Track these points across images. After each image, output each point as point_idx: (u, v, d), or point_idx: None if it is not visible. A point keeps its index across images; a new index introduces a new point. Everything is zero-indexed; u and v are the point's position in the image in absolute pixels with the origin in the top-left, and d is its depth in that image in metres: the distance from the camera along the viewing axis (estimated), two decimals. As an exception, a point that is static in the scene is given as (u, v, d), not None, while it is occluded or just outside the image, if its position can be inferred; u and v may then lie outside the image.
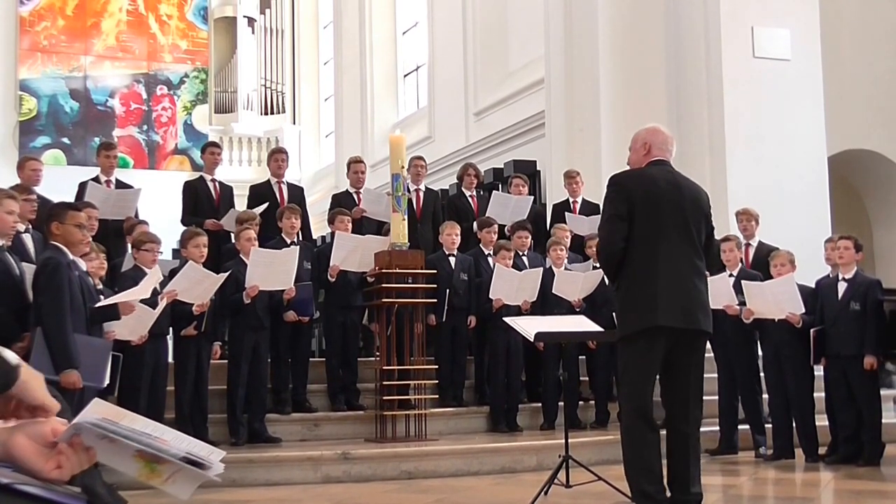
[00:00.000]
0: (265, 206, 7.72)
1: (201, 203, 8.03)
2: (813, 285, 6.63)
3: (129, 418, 1.43)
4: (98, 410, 1.40)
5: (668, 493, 3.98)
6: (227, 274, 6.34)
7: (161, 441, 1.42)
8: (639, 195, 3.98)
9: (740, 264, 6.90)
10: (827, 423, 6.52)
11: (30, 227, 5.64)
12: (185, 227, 7.11)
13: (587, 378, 7.63)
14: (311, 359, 7.44)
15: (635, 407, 3.98)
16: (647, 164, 4.13)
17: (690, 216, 4.02)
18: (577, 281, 7.25)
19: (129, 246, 6.62)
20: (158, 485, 1.41)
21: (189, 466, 1.42)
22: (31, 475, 1.33)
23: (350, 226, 7.41)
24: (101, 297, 5.32)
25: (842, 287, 6.36)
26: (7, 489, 1.31)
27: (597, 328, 5.69)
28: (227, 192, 8.18)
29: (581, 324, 5.73)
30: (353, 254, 7.03)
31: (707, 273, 4.19)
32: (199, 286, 6.15)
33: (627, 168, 4.28)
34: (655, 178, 4.03)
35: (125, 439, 1.39)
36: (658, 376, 4.10)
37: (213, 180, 8.21)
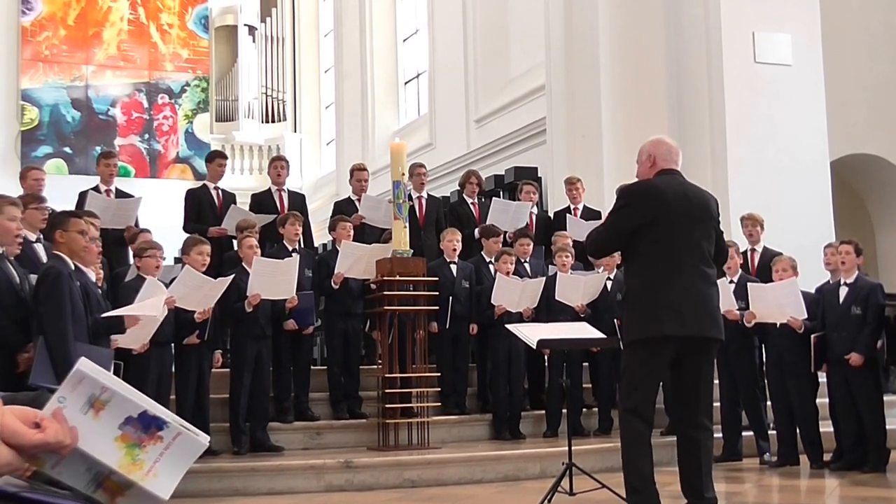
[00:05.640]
0: (271, 219, 7.72)
1: (204, 211, 8.02)
2: (815, 291, 6.62)
3: (123, 384, 1.45)
4: (93, 364, 1.42)
5: (685, 499, 4.07)
6: (227, 279, 6.31)
7: (153, 406, 1.44)
8: (647, 208, 4.06)
9: (740, 270, 6.88)
10: (832, 429, 6.49)
11: (41, 236, 5.62)
12: (188, 235, 7.09)
13: (590, 385, 7.61)
14: (312, 367, 7.42)
15: (632, 407, 4.06)
16: (654, 175, 4.19)
17: (699, 225, 4.09)
18: (578, 286, 7.23)
19: (132, 256, 6.61)
20: (139, 479, 1.40)
21: (185, 430, 1.43)
22: (13, 444, 1.33)
23: (352, 233, 7.40)
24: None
25: (843, 292, 6.35)
26: (13, 497, 1.32)
27: (599, 335, 5.68)
28: (229, 199, 8.15)
29: (583, 330, 5.71)
30: (358, 262, 7.02)
31: (720, 280, 4.29)
32: (197, 292, 6.12)
33: (636, 180, 4.34)
34: (664, 190, 4.09)
35: (121, 390, 1.41)
36: (664, 383, 4.15)
37: (216, 188, 8.19)
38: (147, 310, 5.30)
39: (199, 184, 8.68)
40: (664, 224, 4.02)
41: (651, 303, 4.01)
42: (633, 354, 4.09)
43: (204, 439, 1.47)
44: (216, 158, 8.41)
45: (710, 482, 4.05)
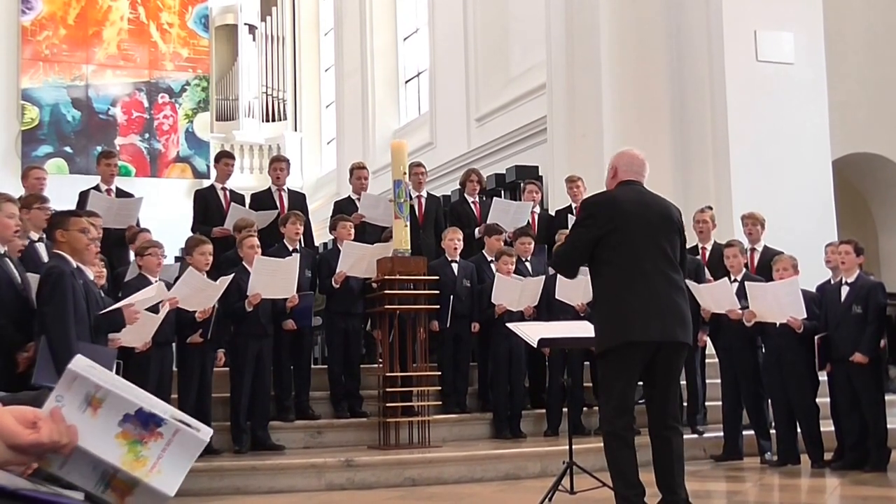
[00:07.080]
0: (274, 215, 7.71)
1: (211, 212, 8.00)
2: (816, 291, 6.61)
3: (118, 380, 1.43)
4: (87, 362, 1.39)
5: (660, 496, 4.10)
6: (228, 279, 6.31)
7: (149, 401, 1.42)
8: (606, 217, 4.13)
9: (744, 269, 6.87)
10: (833, 428, 6.48)
11: (44, 236, 5.62)
12: (190, 235, 7.08)
13: (591, 384, 7.59)
14: (313, 366, 7.42)
15: (611, 415, 4.13)
16: (616, 186, 4.31)
17: (661, 232, 4.16)
18: (579, 285, 7.21)
19: (133, 255, 6.61)
20: (143, 476, 1.38)
21: (184, 427, 1.41)
22: (10, 445, 1.33)
23: (353, 232, 7.40)
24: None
25: (844, 291, 6.34)
26: (14, 496, 1.31)
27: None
28: (237, 200, 8.13)
29: (584, 329, 5.69)
30: (360, 261, 7.02)
31: (687, 285, 4.38)
32: (200, 293, 6.13)
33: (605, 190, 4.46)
34: (623, 199, 4.19)
35: (115, 388, 1.39)
36: (642, 385, 4.24)
37: (224, 188, 8.18)
38: (143, 295, 5.30)
39: (206, 185, 8.67)
40: (624, 232, 4.08)
41: (618, 310, 4.07)
42: (606, 363, 4.16)
43: (205, 434, 1.44)
44: (223, 158, 8.37)
45: (682, 482, 4.10)
